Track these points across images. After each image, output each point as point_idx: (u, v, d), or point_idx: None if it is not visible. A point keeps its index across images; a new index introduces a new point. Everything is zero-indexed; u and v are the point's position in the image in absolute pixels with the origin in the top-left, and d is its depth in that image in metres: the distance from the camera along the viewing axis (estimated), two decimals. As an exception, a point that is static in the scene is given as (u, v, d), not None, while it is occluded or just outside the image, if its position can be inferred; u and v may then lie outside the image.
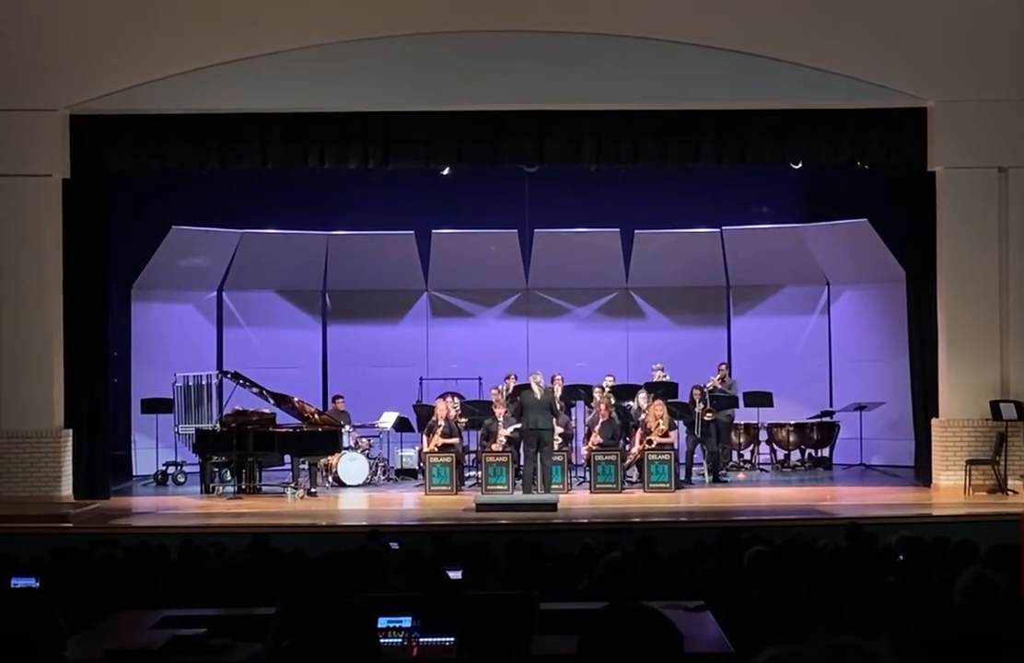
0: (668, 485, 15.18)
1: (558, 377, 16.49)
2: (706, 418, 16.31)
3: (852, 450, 18.09)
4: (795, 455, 17.90)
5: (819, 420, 17.87)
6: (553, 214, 18.49)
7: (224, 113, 14.91)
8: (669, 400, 16.18)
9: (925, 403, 15.34)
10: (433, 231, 18.81)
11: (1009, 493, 14.24)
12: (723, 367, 17.34)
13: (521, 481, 14.97)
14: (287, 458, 15.60)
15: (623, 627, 3.00)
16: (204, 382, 17.90)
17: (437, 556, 8.37)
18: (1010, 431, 14.53)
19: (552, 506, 13.52)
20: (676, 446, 15.77)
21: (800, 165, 16.19)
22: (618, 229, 18.90)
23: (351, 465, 16.41)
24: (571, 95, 14.81)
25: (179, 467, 16.95)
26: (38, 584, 6.47)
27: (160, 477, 16.97)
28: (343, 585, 6.41)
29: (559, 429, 15.54)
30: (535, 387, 14.92)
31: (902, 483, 16.02)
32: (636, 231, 18.86)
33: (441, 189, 17.28)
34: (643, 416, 15.91)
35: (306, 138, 15.11)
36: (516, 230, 18.72)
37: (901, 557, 7.68)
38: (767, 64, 14.66)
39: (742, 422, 17.71)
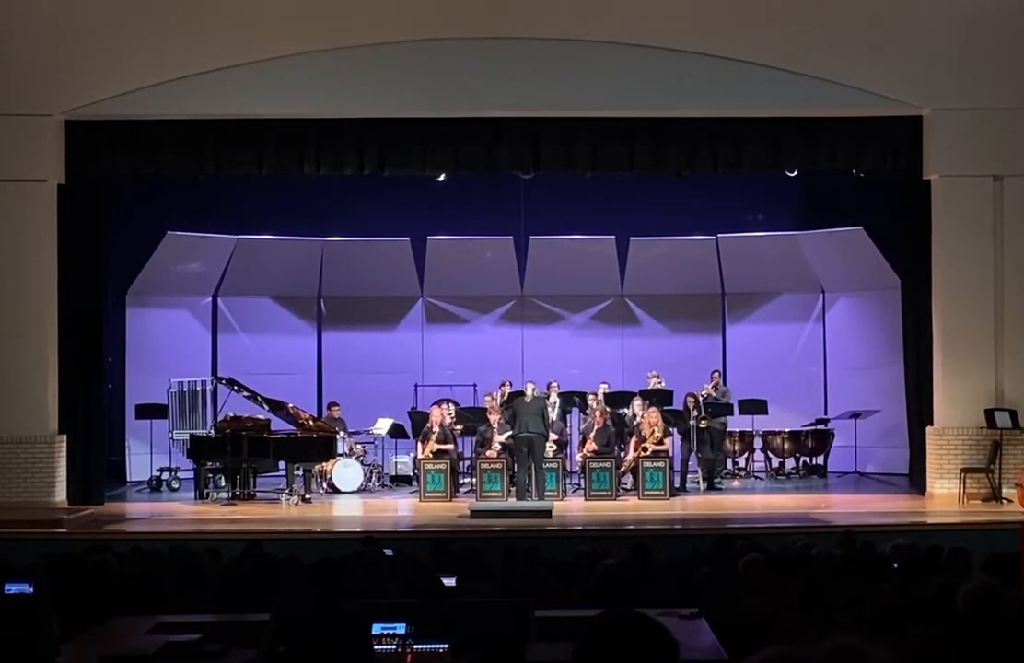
0: (663, 492, 15.17)
1: (554, 383, 16.50)
2: (701, 425, 16.31)
3: (847, 458, 18.07)
4: (790, 463, 17.90)
5: (814, 428, 17.87)
6: (549, 221, 18.50)
7: (220, 118, 14.91)
8: (664, 407, 16.19)
9: (920, 411, 15.36)
10: (428, 237, 18.80)
11: (1004, 502, 14.25)
12: (716, 374, 17.34)
13: (515, 488, 14.97)
14: (282, 464, 15.60)
15: (618, 634, 3.00)
16: (199, 388, 17.88)
17: (432, 563, 8.36)
18: (1005, 439, 14.54)
19: (547, 513, 13.53)
20: (671, 453, 15.76)
21: (795, 172, 16.23)
22: (613, 236, 18.91)
23: (346, 471, 16.41)
24: (567, 102, 14.82)
25: (173, 473, 16.92)
26: (32, 590, 6.44)
27: (154, 483, 16.94)
28: (338, 591, 6.39)
29: (553, 436, 15.54)
30: (528, 393, 14.97)
31: (897, 491, 16.00)
32: (631, 238, 18.87)
33: (437, 195, 17.28)
34: (638, 423, 15.91)
35: (302, 144, 15.11)
36: (511, 237, 18.73)
37: (896, 565, 7.68)
38: (763, 71, 14.68)
39: (737, 430, 17.71)
